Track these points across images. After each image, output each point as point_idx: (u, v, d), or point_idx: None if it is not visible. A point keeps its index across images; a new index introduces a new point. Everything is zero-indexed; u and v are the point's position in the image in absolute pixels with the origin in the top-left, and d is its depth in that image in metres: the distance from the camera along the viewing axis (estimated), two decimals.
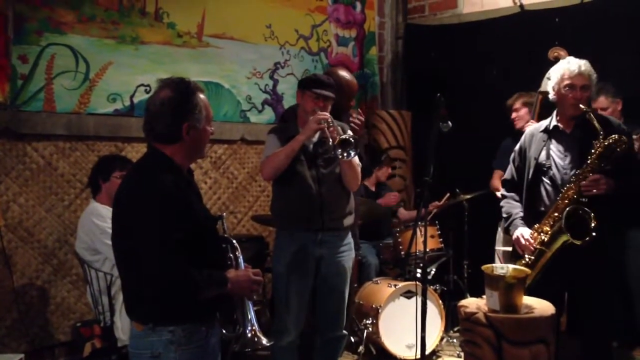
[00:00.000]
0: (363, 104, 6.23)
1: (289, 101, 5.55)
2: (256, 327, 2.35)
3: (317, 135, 3.47)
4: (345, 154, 3.28)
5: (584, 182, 3.20)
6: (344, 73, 3.90)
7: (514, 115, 4.77)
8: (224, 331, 2.41)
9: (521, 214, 3.48)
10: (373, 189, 5.45)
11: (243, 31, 5.28)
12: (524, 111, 4.71)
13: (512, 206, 3.55)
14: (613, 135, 3.19)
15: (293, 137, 3.40)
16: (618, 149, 3.19)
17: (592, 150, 3.21)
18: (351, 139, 3.27)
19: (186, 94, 2.25)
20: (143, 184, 2.22)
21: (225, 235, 2.47)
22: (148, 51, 4.70)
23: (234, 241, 2.44)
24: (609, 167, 3.20)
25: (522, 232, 3.40)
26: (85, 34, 4.39)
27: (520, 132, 4.42)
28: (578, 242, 3.14)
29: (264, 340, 2.35)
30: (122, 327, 3.56)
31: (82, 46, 4.36)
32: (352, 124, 3.72)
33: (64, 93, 4.29)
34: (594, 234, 3.11)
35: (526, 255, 3.39)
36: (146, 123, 2.27)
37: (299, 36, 5.75)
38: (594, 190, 3.18)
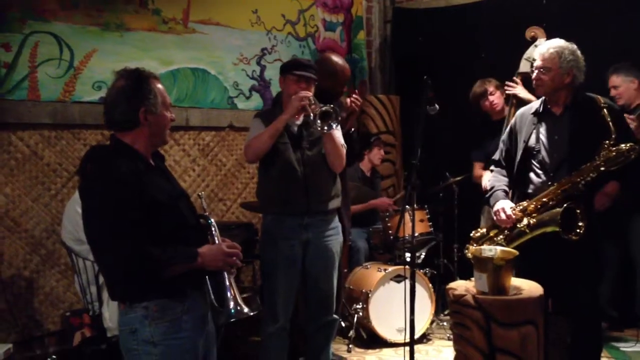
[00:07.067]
0: (352, 90, 6.20)
1: (276, 87, 5.50)
2: (238, 297, 2.34)
3: (301, 118, 3.45)
4: (326, 126, 3.25)
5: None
6: (336, 59, 3.88)
7: (493, 101, 4.60)
8: (215, 304, 2.40)
9: (504, 187, 3.47)
10: (368, 174, 5.44)
11: (229, 17, 5.23)
12: (497, 95, 4.60)
13: (498, 179, 3.55)
14: (629, 144, 3.10)
15: None
16: (630, 158, 3.10)
17: (602, 152, 3.12)
18: (331, 109, 3.23)
19: (139, 81, 2.30)
20: (96, 171, 2.30)
21: (201, 213, 2.47)
22: (133, 38, 4.65)
23: (211, 219, 2.44)
24: (613, 170, 3.15)
25: (504, 206, 3.37)
26: (69, 22, 4.32)
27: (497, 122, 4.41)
28: (566, 237, 3.12)
29: (246, 309, 2.34)
30: (110, 316, 3.55)
31: (65, 34, 4.31)
32: (352, 105, 3.72)
33: (49, 81, 4.24)
34: (579, 231, 3.11)
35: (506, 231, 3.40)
36: (105, 114, 2.32)
37: (286, 21, 5.71)
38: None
